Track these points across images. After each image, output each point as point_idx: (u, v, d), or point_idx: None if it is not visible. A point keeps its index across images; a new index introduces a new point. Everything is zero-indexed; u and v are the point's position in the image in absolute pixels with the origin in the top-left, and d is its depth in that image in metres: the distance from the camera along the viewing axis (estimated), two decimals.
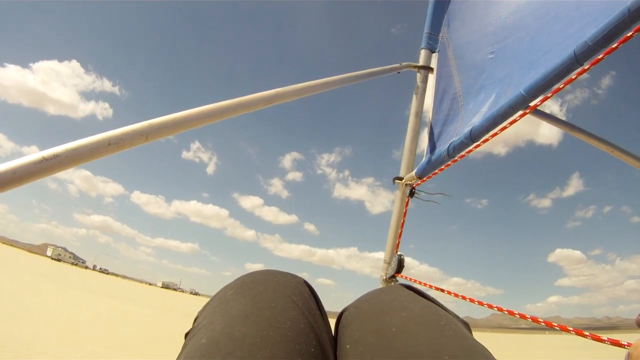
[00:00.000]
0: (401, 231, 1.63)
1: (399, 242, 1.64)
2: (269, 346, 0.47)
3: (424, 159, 1.54)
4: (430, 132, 1.62)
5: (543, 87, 0.92)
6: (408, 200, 1.63)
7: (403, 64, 1.63)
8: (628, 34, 0.73)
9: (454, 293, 1.29)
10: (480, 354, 0.49)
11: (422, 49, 1.81)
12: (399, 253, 1.58)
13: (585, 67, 0.82)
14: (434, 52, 1.80)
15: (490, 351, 0.53)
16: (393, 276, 1.54)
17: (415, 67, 1.75)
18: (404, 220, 1.63)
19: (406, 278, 1.50)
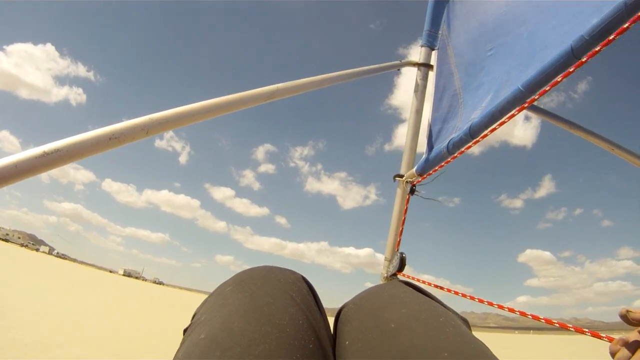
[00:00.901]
0: (402, 229, 1.63)
1: (399, 240, 1.63)
2: (267, 342, 0.47)
3: (424, 156, 1.54)
4: (430, 129, 1.63)
5: (540, 82, 0.92)
6: (409, 197, 1.63)
7: (403, 61, 1.64)
8: (624, 26, 0.73)
9: (461, 293, 1.29)
10: (479, 350, 0.49)
11: (422, 46, 1.81)
12: (400, 251, 1.58)
13: (583, 60, 0.82)
14: (433, 49, 1.81)
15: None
16: (394, 274, 1.54)
17: (415, 64, 1.76)
18: (404, 218, 1.63)
19: (408, 277, 1.50)
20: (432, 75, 1.77)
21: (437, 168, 1.46)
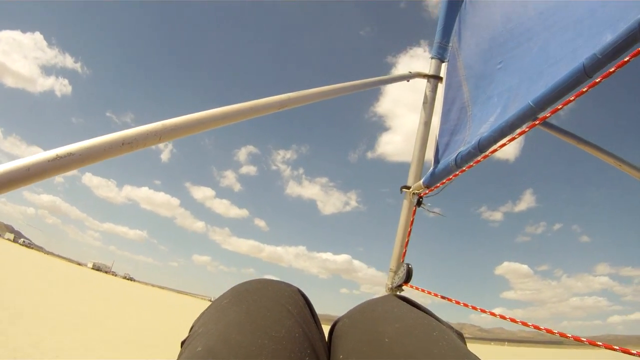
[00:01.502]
0: (408, 240, 1.63)
1: (405, 251, 1.63)
2: (264, 355, 0.47)
3: (431, 168, 1.54)
4: (438, 141, 1.63)
5: (551, 99, 0.92)
6: (415, 209, 1.63)
7: (412, 72, 1.64)
8: None
9: (463, 303, 1.28)
10: None
11: (432, 58, 1.82)
12: (406, 262, 1.57)
13: (597, 80, 0.82)
14: (443, 61, 1.81)
15: None
16: (400, 286, 1.53)
17: (424, 76, 1.76)
18: (410, 229, 1.63)
19: (417, 288, 1.49)
20: (440, 87, 1.77)
21: (444, 181, 1.46)
